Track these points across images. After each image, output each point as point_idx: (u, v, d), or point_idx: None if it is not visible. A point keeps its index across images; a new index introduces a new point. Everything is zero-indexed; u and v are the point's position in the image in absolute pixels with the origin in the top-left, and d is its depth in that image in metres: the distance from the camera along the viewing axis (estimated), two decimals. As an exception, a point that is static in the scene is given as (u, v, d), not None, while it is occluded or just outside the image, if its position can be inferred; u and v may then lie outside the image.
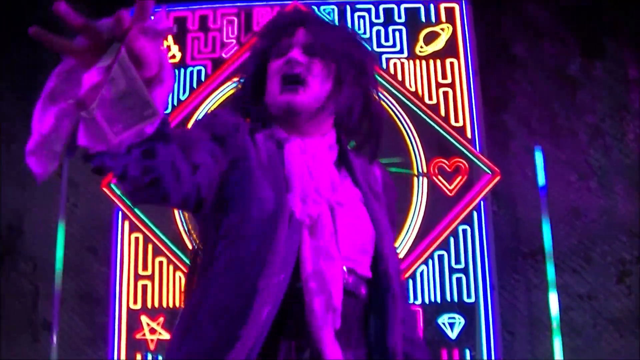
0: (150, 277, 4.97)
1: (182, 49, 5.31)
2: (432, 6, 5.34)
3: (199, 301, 1.56)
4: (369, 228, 1.67)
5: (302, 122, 1.72)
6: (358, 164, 1.79)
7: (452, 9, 5.34)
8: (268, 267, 1.50)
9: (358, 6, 5.35)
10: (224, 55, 5.29)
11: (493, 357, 4.68)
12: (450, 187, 4.90)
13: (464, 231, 4.88)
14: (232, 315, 1.48)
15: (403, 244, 4.75)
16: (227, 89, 5.20)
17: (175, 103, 5.22)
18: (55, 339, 4.84)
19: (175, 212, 5.05)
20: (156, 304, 4.94)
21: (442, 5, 5.35)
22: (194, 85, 5.26)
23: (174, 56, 5.27)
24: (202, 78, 5.27)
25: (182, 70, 5.28)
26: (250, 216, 1.56)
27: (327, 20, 1.91)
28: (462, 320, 4.81)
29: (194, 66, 5.31)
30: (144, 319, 4.89)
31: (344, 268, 1.59)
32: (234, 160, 1.61)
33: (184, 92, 5.25)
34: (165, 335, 4.85)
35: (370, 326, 1.65)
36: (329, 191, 1.63)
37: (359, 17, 5.31)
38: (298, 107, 1.68)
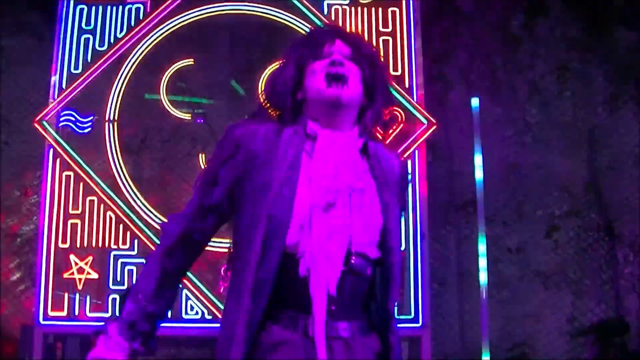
0: (80, 216, 4.90)
1: (121, -14, 5.18)
2: (376, -48, 5.27)
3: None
4: (379, 217, 1.88)
5: (341, 115, 1.93)
6: (377, 154, 2.00)
7: (397, -43, 5.28)
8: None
9: (302, -49, 5.26)
10: (163, -7, 5.18)
11: (420, 305, 4.74)
12: (385, 135, 4.90)
13: (398, 180, 4.86)
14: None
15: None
16: (165, 29, 5.12)
17: (112, 41, 5.11)
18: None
19: (109, 152, 4.98)
20: (85, 244, 4.87)
21: (387, -47, 5.28)
22: (132, 23, 5.15)
23: (113, -8, 5.17)
24: (140, 16, 5.16)
25: (121, 8, 5.17)
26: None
27: (354, 34, 2.13)
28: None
29: (132, 4, 5.18)
30: (73, 258, 4.83)
31: (353, 251, 1.80)
32: (238, 177, 1.87)
33: (122, 30, 5.13)
34: (94, 275, 4.80)
35: (375, 296, 1.87)
36: (351, 177, 1.85)
37: (302, -37, 5.23)
38: (345, 100, 1.90)
